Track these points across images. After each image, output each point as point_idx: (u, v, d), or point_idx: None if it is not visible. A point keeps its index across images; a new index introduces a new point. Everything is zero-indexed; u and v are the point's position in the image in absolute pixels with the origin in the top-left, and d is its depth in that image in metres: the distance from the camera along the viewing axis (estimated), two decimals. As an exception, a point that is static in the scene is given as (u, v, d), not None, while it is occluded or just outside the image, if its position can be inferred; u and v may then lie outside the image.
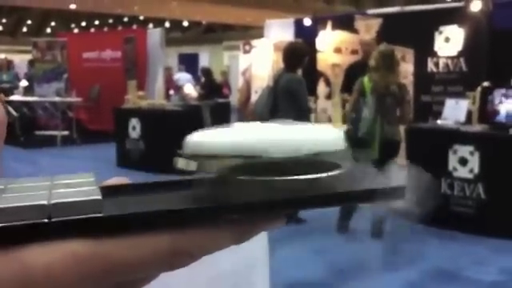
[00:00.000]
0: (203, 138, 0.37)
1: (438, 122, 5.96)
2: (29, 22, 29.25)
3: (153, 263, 0.32)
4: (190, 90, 12.01)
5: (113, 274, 0.31)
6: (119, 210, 0.31)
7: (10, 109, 11.37)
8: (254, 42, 10.67)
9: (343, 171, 0.36)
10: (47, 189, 0.32)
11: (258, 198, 0.33)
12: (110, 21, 28.61)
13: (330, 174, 0.36)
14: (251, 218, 0.34)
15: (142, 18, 26.62)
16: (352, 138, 4.90)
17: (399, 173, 0.39)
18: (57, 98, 11.84)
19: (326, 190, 0.35)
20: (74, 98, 11.91)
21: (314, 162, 0.36)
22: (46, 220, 0.29)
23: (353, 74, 6.08)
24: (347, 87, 6.18)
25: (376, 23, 8.08)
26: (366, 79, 5.02)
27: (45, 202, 0.30)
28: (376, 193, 0.36)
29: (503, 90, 5.60)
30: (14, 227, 0.29)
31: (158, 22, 24.19)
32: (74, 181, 0.34)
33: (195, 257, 0.33)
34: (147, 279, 0.35)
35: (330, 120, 7.87)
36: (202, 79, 12.84)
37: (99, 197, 0.31)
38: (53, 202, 0.30)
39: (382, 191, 0.37)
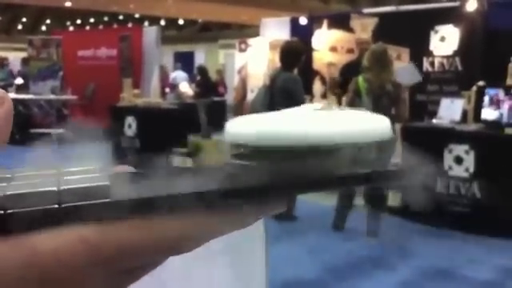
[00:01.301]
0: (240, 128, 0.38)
1: (434, 121, 5.98)
2: (24, 19, 29.18)
3: (160, 248, 0.32)
4: (186, 88, 12.01)
5: (121, 259, 0.31)
6: (127, 196, 0.31)
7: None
8: (250, 41, 10.67)
9: (342, 155, 0.37)
10: (55, 176, 0.32)
11: (260, 182, 0.34)
12: (106, 19, 28.56)
13: (329, 158, 0.36)
14: (254, 202, 0.34)
15: (137, 15, 26.59)
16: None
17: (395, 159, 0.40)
18: (52, 96, 11.81)
19: (325, 174, 0.36)
20: (69, 96, 11.89)
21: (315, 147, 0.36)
22: (55, 206, 0.30)
23: (348, 73, 6.10)
24: (342, 86, 6.18)
25: (372, 22, 8.09)
26: (360, 79, 5.02)
27: (54, 188, 0.30)
28: (374, 175, 0.37)
29: (498, 90, 5.62)
30: (24, 213, 0.29)
31: (154, 20, 24.15)
32: (81, 168, 0.34)
33: (201, 241, 0.34)
34: (154, 264, 0.35)
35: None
36: (198, 77, 12.83)
37: (107, 182, 0.31)
38: (62, 188, 0.30)
39: (380, 174, 0.37)
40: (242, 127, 0.38)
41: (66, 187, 0.30)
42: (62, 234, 0.29)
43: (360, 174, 0.37)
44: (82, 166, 0.35)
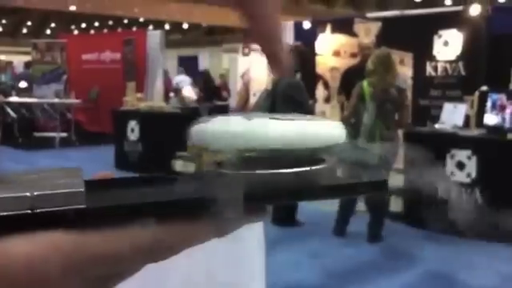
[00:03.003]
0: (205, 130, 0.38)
1: (436, 126, 5.97)
2: (29, 23, 29.26)
3: (135, 256, 0.32)
4: (189, 92, 12.02)
5: (95, 266, 0.31)
6: (102, 202, 0.31)
7: (9, 110, 11.38)
8: (254, 45, 10.67)
9: (328, 165, 0.37)
10: (32, 181, 0.32)
11: (240, 191, 0.34)
12: (110, 22, 28.62)
13: (313, 167, 0.36)
14: (234, 210, 0.34)
15: (141, 19, 26.63)
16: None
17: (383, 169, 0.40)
18: (56, 100, 11.84)
19: (310, 184, 0.35)
20: (72, 100, 11.91)
21: (300, 155, 0.36)
22: (28, 211, 0.29)
23: (350, 77, 6.09)
24: (344, 90, 6.18)
25: (375, 27, 8.09)
26: (365, 83, 5.02)
27: (27, 194, 0.30)
28: (359, 186, 0.37)
29: (501, 95, 5.62)
30: None
31: (158, 24, 24.18)
32: (60, 173, 0.34)
33: (176, 250, 0.34)
34: (130, 271, 0.34)
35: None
36: (201, 82, 12.84)
37: (82, 189, 0.31)
38: (36, 193, 0.30)
39: (365, 184, 0.37)
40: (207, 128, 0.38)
41: (39, 193, 0.30)
42: (36, 240, 0.29)
43: (340, 185, 0.37)
44: (62, 171, 0.35)
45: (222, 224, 0.35)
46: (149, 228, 0.32)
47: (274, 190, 0.34)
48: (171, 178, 0.38)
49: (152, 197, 0.33)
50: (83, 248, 0.30)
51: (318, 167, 0.36)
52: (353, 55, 8.26)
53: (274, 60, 0.41)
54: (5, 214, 0.29)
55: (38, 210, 0.30)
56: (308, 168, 0.36)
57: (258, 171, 0.35)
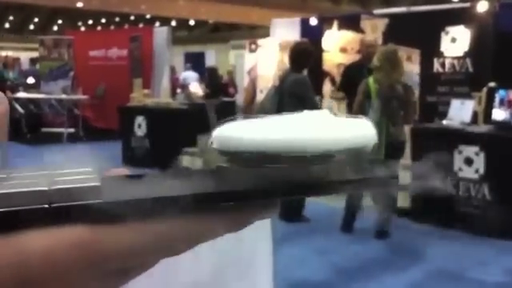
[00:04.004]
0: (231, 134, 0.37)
1: (444, 122, 5.95)
2: (36, 19, 29.35)
3: (150, 249, 0.32)
4: (196, 88, 12.03)
5: (111, 260, 0.31)
6: (118, 197, 0.31)
7: (17, 106, 11.43)
8: (260, 41, 10.66)
9: (338, 162, 0.37)
10: (47, 176, 0.32)
11: (252, 186, 0.34)
12: (117, 19, 28.67)
13: (323, 164, 0.36)
14: (246, 206, 0.35)
15: (148, 16, 26.67)
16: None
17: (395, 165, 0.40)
18: (63, 96, 11.89)
19: (320, 179, 0.36)
20: (80, 96, 11.95)
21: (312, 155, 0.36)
22: (46, 205, 0.30)
23: (351, 73, 6.08)
24: (343, 87, 6.16)
25: (382, 23, 8.07)
26: (370, 80, 5.01)
27: (45, 188, 0.30)
28: (369, 181, 0.37)
29: (509, 91, 5.60)
30: (14, 212, 0.29)
31: (165, 21, 24.21)
32: (74, 170, 0.34)
33: (192, 244, 0.34)
34: (145, 266, 0.35)
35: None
36: (208, 78, 12.85)
37: (99, 183, 0.31)
38: (53, 187, 0.30)
39: (376, 180, 0.37)
40: (232, 133, 0.37)
41: (56, 187, 0.30)
42: (53, 234, 0.29)
43: (351, 180, 0.37)
44: (75, 167, 0.35)
45: (236, 218, 0.35)
46: (164, 222, 0.32)
47: (285, 185, 0.35)
48: (185, 173, 0.38)
49: (167, 191, 0.33)
50: (101, 242, 0.30)
51: (328, 163, 0.37)
52: (359, 52, 8.24)
53: None
54: (23, 208, 0.29)
55: (56, 205, 0.30)
56: (318, 164, 0.36)
57: (268, 166, 0.35)
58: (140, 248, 0.32)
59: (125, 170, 0.39)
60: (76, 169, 0.34)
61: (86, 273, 0.30)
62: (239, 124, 0.37)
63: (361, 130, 0.39)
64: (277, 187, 0.35)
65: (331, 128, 0.37)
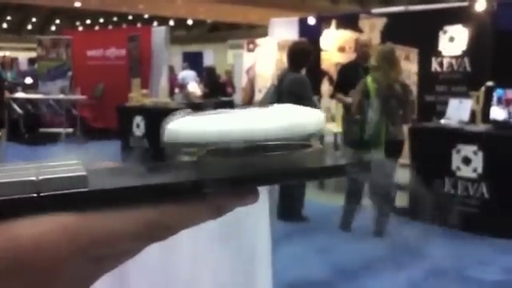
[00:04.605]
0: (181, 127, 0.39)
1: (442, 121, 5.96)
2: (34, 19, 29.33)
3: (134, 235, 0.33)
4: (194, 88, 12.03)
5: (98, 245, 0.32)
6: (103, 185, 0.33)
7: (15, 106, 11.41)
8: (258, 41, 10.67)
9: (313, 150, 0.39)
10: (35, 168, 0.33)
11: (232, 174, 0.36)
12: (115, 19, 28.67)
13: (299, 151, 0.38)
14: (227, 193, 0.36)
15: (146, 16, 26.67)
16: (358, 140, 4.91)
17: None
18: (61, 96, 11.88)
19: (296, 166, 0.37)
20: (78, 96, 11.94)
21: (289, 142, 0.38)
22: (34, 194, 0.31)
23: (347, 73, 6.08)
24: (341, 86, 6.17)
25: (380, 22, 8.08)
26: (369, 80, 5.01)
27: (33, 178, 0.31)
28: (342, 167, 0.38)
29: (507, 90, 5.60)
30: (3, 202, 0.30)
31: (163, 21, 24.21)
32: (60, 162, 0.35)
33: (174, 230, 0.35)
34: (131, 252, 0.36)
35: (333, 119, 7.87)
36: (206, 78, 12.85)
37: (84, 173, 0.32)
38: (41, 177, 0.31)
39: (349, 166, 0.39)
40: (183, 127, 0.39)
41: (44, 177, 0.31)
42: (42, 222, 0.30)
43: (328, 167, 0.38)
44: (63, 161, 0.36)
45: (216, 206, 0.37)
46: (147, 209, 0.33)
47: (262, 173, 0.36)
48: (168, 165, 0.40)
49: (150, 180, 0.34)
50: (88, 229, 0.31)
51: (303, 151, 0.38)
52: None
53: None
54: (12, 197, 0.30)
55: (44, 194, 0.31)
56: (294, 151, 0.38)
57: (247, 156, 0.37)
58: (125, 234, 0.33)
59: (111, 163, 0.40)
60: (63, 161, 0.36)
61: (75, 258, 0.31)
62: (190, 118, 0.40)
63: (304, 119, 0.40)
64: (253, 175, 0.36)
65: (277, 118, 0.39)
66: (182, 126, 0.39)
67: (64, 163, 0.35)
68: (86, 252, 0.32)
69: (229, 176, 0.35)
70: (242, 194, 0.37)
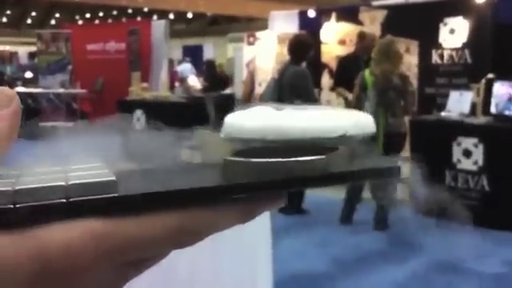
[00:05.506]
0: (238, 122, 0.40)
1: (442, 114, 5.95)
2: (33, 13, 29.27)
3: (164, 241, 0.33)
4: (194, 81, 12.02)
5: (127, 251, 0.32)
6: (132, 191, 0.32)
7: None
8: (258, 34, 10.65)
9: (342, 153, 0.38)
10: (63, 172, 0.33)
11: (260, 178, 0.35)
12: (115, 13, 28.60)
13: (327, 155, 0.37)
14: (254, 197, 0.36)
15: (146, 9, 26.59)
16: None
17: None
18: (61, 90, 11.87)
19: (325, 171, 0.37)
20: (78, 90, 11.94)
21: (316, 145, 0.38)
22: (63, 200, 0.31)
23: (347, 65, 6.07)
24: (341, 79, 6.16)
25: (380, 15, 8.05)
26: (366, 73, 5.01)
27: (63, 183, 0.31)
28: (372, 172, 0.38)
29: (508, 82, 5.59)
30: (32, 207, 0.30)
31: (163, 14, 24.15)
32: (88, 165, 0.35)
33: (202, 235, 0.35)
34: (158, 257, 0.36)
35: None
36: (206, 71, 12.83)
37: (113, 178, 0.32)
38: (70, 182, 0.31)
39: (378, 170, 0.38)
40: (245, 122, 0.39)
41: (73, 182, 0.31)
42: (71, 228, 0.30)
43: (356, 171, 0.38)
44: (89, 162, 0.36)
45: (244, 210, 0.36)
46: (176, 214, 0.33)
47: (291, 178, 0.36)
48: (194, 167, 0.40)
49: (178, 185, 0.34)
50: (116, 234, 0.31)
51: (331, 155, 0.37)
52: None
53: None
54: (42, 203, 0.30)
55: (73, 199, 0.31)
56: (323, 156, 0.37)
57: (274, 159, 0.36)
58: (153, 239, 0.33)
59: (134, 164, 0.41)
60: (90, 164, 0.36)
61: (103, 264, 0.31)
62: (249, 113, 0.39)
63: (359, 120, 0.41)
64: (283, 179, 0.36)
65: (336, 118, 0.39)
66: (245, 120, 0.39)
67: (90, 166, 0.35)
68: (114, 258, 0.32)
69: (255, 181, 0.35)
70: (271, 198, 0.37)
